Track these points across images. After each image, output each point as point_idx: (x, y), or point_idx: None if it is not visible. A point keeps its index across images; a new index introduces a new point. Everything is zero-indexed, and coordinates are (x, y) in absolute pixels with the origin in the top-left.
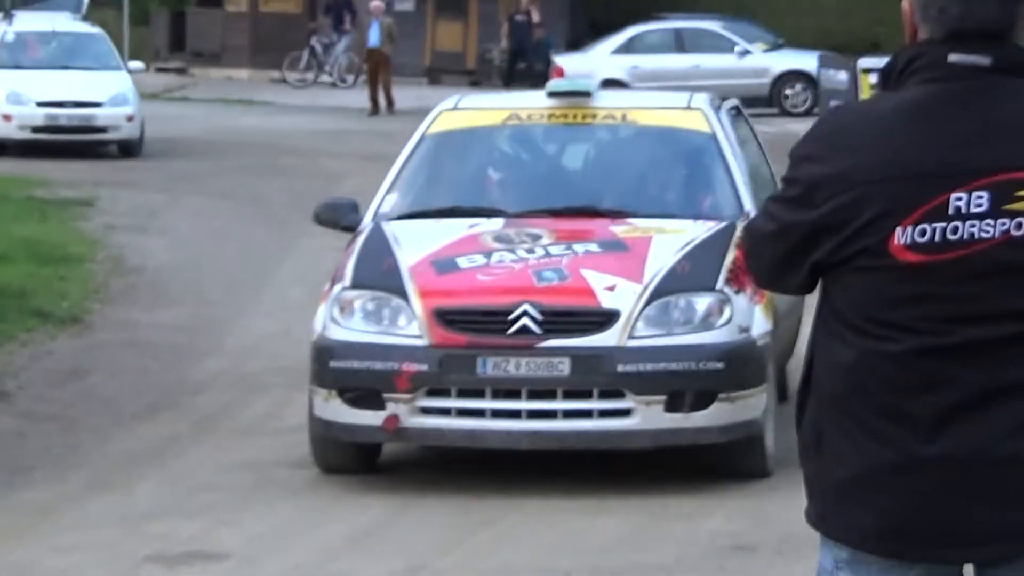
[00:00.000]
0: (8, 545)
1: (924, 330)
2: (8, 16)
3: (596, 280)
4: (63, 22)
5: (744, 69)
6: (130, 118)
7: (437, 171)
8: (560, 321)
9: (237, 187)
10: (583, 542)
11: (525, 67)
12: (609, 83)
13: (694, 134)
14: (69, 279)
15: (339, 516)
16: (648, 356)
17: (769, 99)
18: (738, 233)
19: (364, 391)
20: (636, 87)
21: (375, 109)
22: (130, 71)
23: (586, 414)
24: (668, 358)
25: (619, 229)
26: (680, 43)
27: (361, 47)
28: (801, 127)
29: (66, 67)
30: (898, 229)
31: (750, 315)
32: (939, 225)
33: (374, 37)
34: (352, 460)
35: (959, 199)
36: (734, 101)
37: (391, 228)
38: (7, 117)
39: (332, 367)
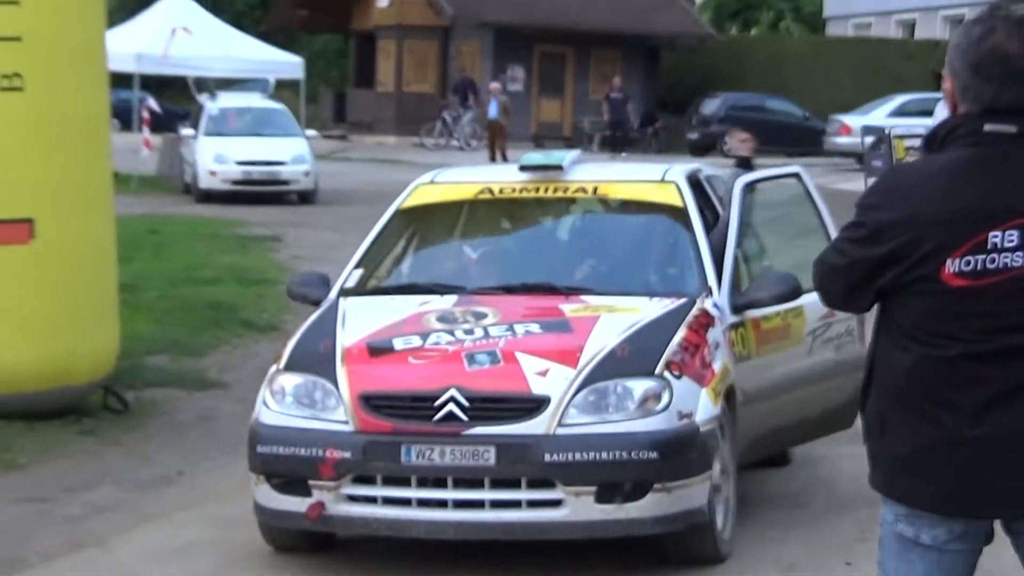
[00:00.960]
0: (226, 507)
1: (969, 339)
2: (213, 96)
3: (529, 364)
4: (255, 100)
5: None
6: (307, 173)
7: (404, 247)
8: (488, 408)
9: None
10: None
11: (621, 135)
12: None
13: (664, 208)
14: (267, 296)
15: None
16: (578, 445)
17: None
18: (694, 312)
19: (290, 478)
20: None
21: None
22: (306, 137)
23: (514, 504)
24: (599, 447)
25: (568, 308)
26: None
27: (483, 119)
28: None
29: (257, 134)
30: (948, 260)
31: (694, 400)
32: (980, 257)
33: (493, 111)
34: (300, 540)
35: (995, 236)
36: (759, 173)
37: (346, 305)
38: (213, 173)
39: (260, 452)
